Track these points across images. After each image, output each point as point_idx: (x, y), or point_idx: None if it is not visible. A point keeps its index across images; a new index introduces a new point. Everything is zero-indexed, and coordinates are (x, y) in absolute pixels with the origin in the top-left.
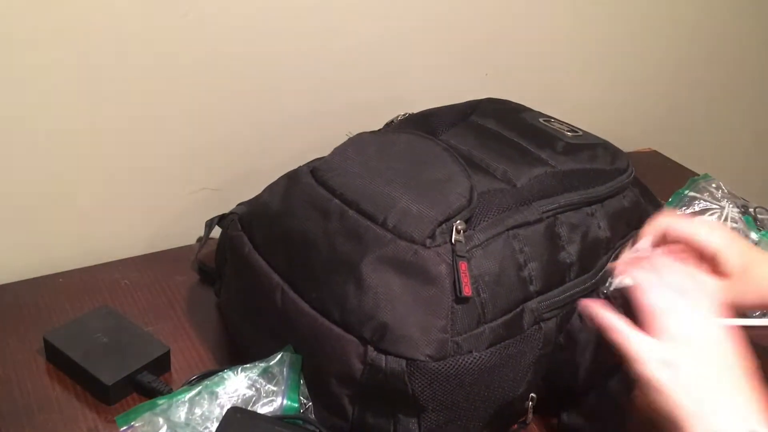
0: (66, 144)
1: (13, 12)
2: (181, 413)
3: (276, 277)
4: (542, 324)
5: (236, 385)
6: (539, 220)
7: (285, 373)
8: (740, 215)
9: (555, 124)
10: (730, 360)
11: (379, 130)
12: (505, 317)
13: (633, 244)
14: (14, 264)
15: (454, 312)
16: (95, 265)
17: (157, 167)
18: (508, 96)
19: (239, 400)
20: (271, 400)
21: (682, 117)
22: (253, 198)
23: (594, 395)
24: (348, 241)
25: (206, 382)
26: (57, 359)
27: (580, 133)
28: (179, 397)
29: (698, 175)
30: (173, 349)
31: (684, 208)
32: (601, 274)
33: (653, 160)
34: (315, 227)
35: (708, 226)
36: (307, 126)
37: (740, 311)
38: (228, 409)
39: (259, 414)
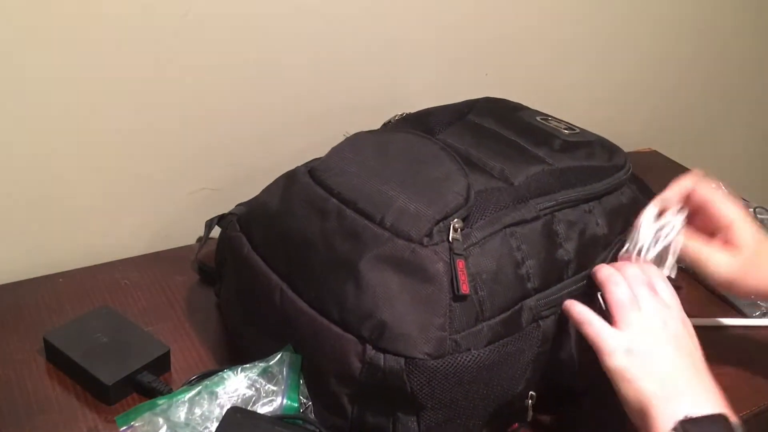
0: (66, 144)
1: (13, 12)
2: (181, 413)
3: (275, 277)
4: (541, 322)
5: (236, 385)
6: (536, 218)
7: (285, 372)
8: None
9: (552, 122)
10: (689, 348)
11: (377, 129)
12: (503, 315)
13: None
14: (14, 264)
15: (452, 310)
16: (95, 265)
17: (157, 167)
18: (508, 96)
19: (239, 400)
20: (271, 400)
21: (682, 117)
22: (252, 198)
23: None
24: (346, 240)
25: (206, 382)
26: (57, 359)
27: (577, 130)
28: (179, 397)
29: None
30: (173, 349)
31: None
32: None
33: (653, 160)
34: (313, 227)
35: (729, 198)
36: (306, 126)
37: (737, 292)
38: (228, 409)
39: (259, 414)
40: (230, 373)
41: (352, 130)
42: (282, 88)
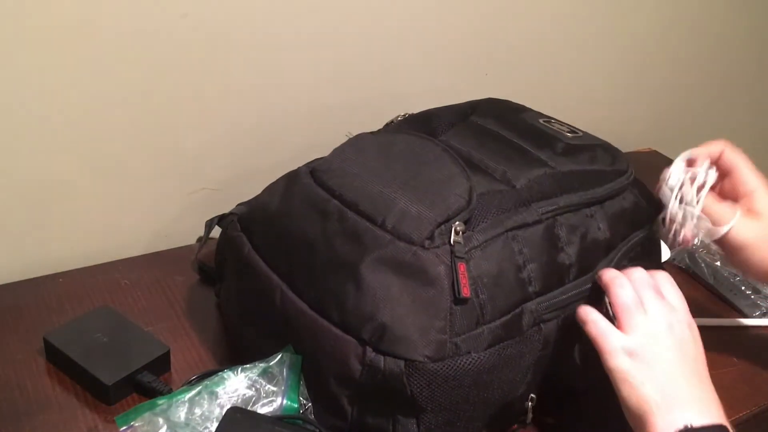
0: (66, 144)
1: (13, 12)
2: (181, 413)
3: (275, 278)
4: (542, 325)
5: (236, 385)
6: (538, 222)
7: (285, 373)
8: None
9: (555, 124)
10: (693, 354)
11: (379, 130)
12: (504, 318)
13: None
14: (14, 264)
15: (453, 313)
16: (95, 265)
17: (157, 167)
18: (508, 96)
19: (239, 400)
20: (271, 401)
21: (682, 117)
22: (253, 198)
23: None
24: (347, 241)
25: (206, 382)
26: (57, 359)
27: (580, 134)
28: (179, 397)
29: None
30: (173, 349)
31: None
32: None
33: (653, 160)
34: (314, 228)
35: (753, 168)
36: (306, 126)
37: (748, 259)
38: (228, 409)
39: (259, 414)
40: (230, 373)
41: (354, 131)
42: (283, 88)
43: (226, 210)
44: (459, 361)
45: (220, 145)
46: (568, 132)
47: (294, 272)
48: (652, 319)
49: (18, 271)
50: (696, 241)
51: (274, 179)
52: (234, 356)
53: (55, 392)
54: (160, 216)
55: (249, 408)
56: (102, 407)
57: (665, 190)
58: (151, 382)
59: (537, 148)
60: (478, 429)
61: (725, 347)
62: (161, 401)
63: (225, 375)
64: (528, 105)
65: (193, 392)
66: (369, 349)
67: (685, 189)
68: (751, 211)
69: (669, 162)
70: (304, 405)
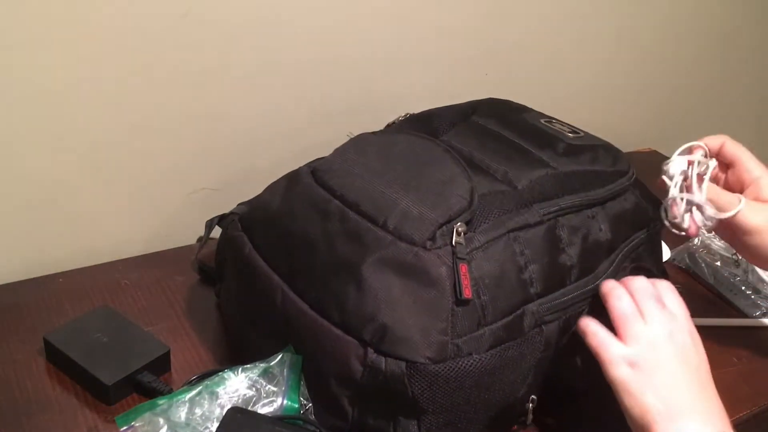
0: (66, 145)
1: (13, 12)
2: (181, 413)
3: (276, 278)
4: (543, 327)
5: (236, 386)
6: (540, 223)
7: (285, 373)
8: None
9: (556, 125)
10: (695, 362)
11: (380, 131)
12: (505, 319)
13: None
14: (14, 264)
15: (455, 314)
16: (95, 265)
17: (157, 167)
18: (508, 96)
19: (239, 401)
20: (272, 401)
21: (682, 117)
22: (254, 198)
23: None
24: (348, 242)
25: (206, 382)
26: (57, 359)
27: (582, 134)
28: (179, 397)
29: None
30: (173, 349)
31: None
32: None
33: (653, 160)
34: (315, 228)
35: (754, 157)
36: (307, 126)
37: (760, 244)
38: (228, 410)
39: (260, 414)
40: (230, 373)
41: (355, 131)
42: (283, 88)
43: (227, 210)
44: (460, 363)
45: (220, 145)
46: (570, 132)
47: (295, 272)
48: (652, 328)
49: (18, 271)
50: (703, 229)
51: (274, 179)
52: (234, 356)
53: (55, 392)
54: (160, 216)
55: (249, 408)
56: (102, 407)
57: (665, 180)
58: (151, 382)
59: (538, 148)
60: (479, 430)
61: (725, 347)
62: (161, 401)
63: (225, 375)
64: (528, 105)
65: (194, 392)
66: (370, 350)
67: (688, 176)
68: (758, 198)
69: None
70: (305, 405)
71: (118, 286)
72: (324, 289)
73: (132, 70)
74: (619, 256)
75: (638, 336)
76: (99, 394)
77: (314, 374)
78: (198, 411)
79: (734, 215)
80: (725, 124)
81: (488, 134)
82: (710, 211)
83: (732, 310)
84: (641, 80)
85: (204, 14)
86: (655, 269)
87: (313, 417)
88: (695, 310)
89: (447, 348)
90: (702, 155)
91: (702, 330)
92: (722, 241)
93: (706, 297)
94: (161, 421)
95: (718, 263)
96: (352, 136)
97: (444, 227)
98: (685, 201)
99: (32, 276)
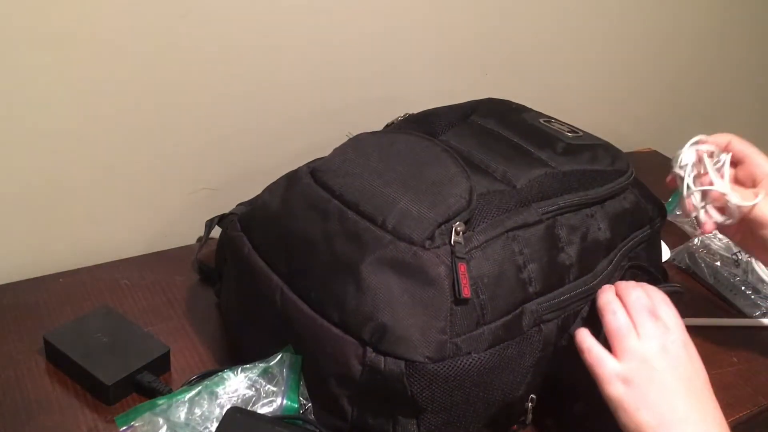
0: (66, 144)
1: (12, 12)
2: (181, 413)
3: (275, 278)
4: (542, 326)
5: (236, 385)
6: (539, 222)
7: (285, 373)
8: None
9: (555, 124)
10: (689, 373)
11: (380, 130)
12: (504, 319)
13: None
14: (14, 264)
15: (453, 313)
16: (95, 265)
17: (157, 167)
18: (508, 96)
19: (239, 400)
20: (271, 401)
21: (682, 117)
22: (253, 198)
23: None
24: (347, 242)
25: (206, 382)
26: (57, 359)
27: (581, 133)
28: (179, 397)
29: None
30: (173, 349)
31: None
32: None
33: (653, 160)
34: (314, 228)
35: (763, 153)
36: (307, 126)
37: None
38: (228, 409)
39: (259, 414)
40: (230, 373)
41: (354, 131)
42: (283, 88)
43: (226, 210)
44: (459, 362)
45: (220, 145)
46: (569, 132)
47: (294, 272)
48: (645, 343)
49: (18, 271)
50: (725, 222)
51: (274, 179)
52: (234, 356)
53: (55, 392)
54: (160, 216)
55: (249, 408)
56: (102, 407)
57: (678, 172)
58: (151, 382)
59: (537, 148)
60: (478, 430)
61: (725, 347)
62: (161, 401)
63: (225, 375)
64: (528, 105)
65: (193, 392)
66: (369, 350)
67: (702, 169)
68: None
69: (669, 162)
70: (304, 405)
71: (118, 286)
72: (323, 289)
73: (132, 70)
74: (618, 255)
75: (631, 351)
76: (99, 394)
77: (314, 374)
78: (197, 411)
79: (754, 206)
80: (725, 124)
81: (487, 134)
82: (735, 199)
83: (732, 310)
84: (641, 80)
85: (203, 15)
86: (653, 269)
87: (312, 417)
88: (695, 310)
89: (446, 347)
90: (713, 147)
91: (702, 330)
92: (722, 242)
93: (706, 297)
94: (161, 421)
95: (718, 263)
96: (352, 136)
97: (443, 227)
98: (700, 195)
99: (32, 276)
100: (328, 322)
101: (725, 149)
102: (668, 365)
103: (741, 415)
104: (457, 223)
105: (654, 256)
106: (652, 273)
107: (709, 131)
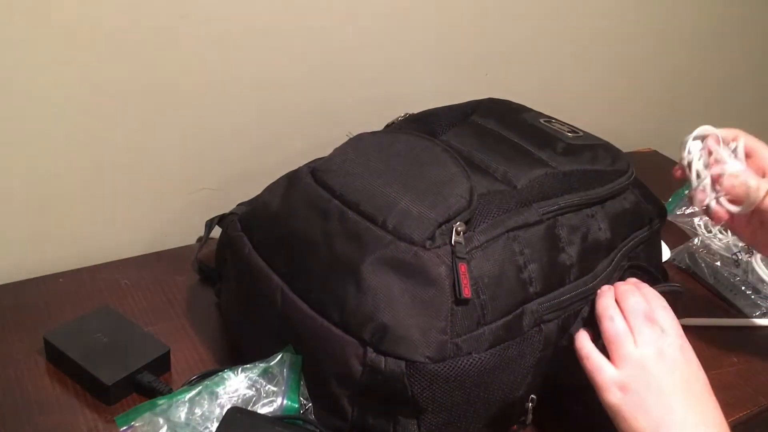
0: (66, 144)
1: (13, 12)
2: (181, 413)
3: (276, 278)
4: (543, 326)
5: (236, 385)
6: (539, 222)
7: (285, 373)
8: None
9: (555, 124)
10: (686, 376)
11: (380, 130)
12: (504, 319)
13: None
14: (14, 264)
15: (454, 314)
16: (95, 265)
17: (157, 167)
18: (508, 96)
19: (239, 400)
20: (271, 401)
21: (682, 117)
22: (253, 198)
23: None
24: (348, 242)
25: (206, 382)
26: (57, 359)
27: (581, 133)
28: (179, 397)
29: None
30: (173, 349)
31: (684, 208)
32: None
33: (653, 160)
34: (315, 228)
35: None
36: (307, 126)
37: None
38: (228, 409)
39: (259, 414)
40: (230, 373)
41: (354, 131)
42: (283, 88)
43: (226, 210)
44: (460, 362)
45: (220, 145)
46: (569, 132)
47: (294, 272)
48: (641, 348)
49: (18, 271)
50: (736, 210)
51: (274, 179)
52: (234, 356)
53: (55, 392)
54: (160, 216)
55: (249, 408)
56: (102, 407)
57: (687, 157)
58: (151, 382)
59: (538, 148)
60: (479, 430)
61: (725, 347)
62: (161, 401)
63: (225, 375)
64: (528, 105)
65: (194, 392)
66: (370, 350)
67: (715, 153)
68: None
69: (669, 162)
70: (305, 405)
71: (118, 286)
72: (324, 289)
73: (132, 70)
74: (618, 255)
75: (628, 358)
76: (99, 394)
77: (314, 374)
78: (198, 411)
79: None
80: (725, 124)
81: (488, 134)
82: (754, 180)
83: (732, 310)
84: (641, 80)
85: (203, 15)
86: (653, 269)
87: (312, 417)
88: (695, 310)
89: (446, 347)
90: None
91: (702, 330)
92: (722, 242)
93: (706, 297)
94: (161, 421)
95: (718, 263)
96: (352, 136)
97: (443, 227)
98: (711, 183)
99: (32, 276)
100: (329, 322)
101: (734, 141)
102: (665, 369)
103: (741, 415)
104: (458, 223)
105: (654, 256)
106: (652, 273)
107: None
